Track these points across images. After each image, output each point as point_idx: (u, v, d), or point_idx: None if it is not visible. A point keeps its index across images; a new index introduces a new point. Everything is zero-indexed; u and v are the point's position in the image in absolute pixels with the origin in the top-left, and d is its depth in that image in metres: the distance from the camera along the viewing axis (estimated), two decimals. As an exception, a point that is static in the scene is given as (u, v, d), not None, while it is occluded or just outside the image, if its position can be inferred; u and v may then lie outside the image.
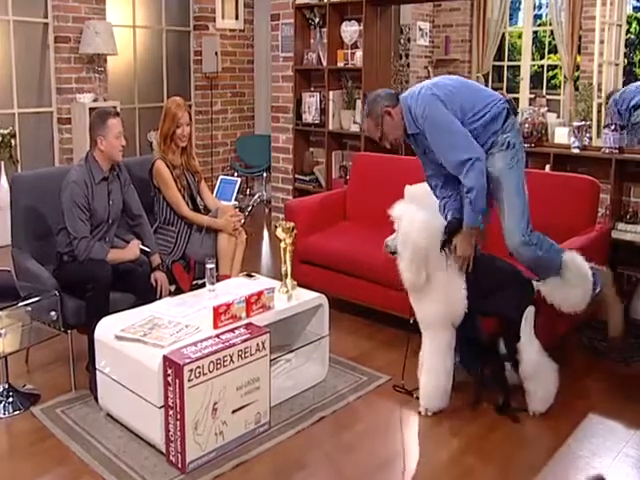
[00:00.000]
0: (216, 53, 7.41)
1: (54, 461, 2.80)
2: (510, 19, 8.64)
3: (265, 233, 6.68)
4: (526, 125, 4.57)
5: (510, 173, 3.04)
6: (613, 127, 4.16)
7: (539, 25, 8.42)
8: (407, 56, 8.15)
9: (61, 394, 3.30)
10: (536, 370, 3.01)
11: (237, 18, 7.91)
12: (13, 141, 6.05)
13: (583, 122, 4.46)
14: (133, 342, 2.85)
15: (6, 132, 5.97)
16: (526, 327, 3.00)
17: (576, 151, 4.39)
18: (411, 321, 3.16)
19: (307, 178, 6.17)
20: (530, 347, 3.00)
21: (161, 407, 2.68)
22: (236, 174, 7.50)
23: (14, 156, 6.10)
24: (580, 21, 7.08)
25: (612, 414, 3.16)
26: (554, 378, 3.06)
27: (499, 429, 3.02)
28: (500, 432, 3.00)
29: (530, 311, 3.01)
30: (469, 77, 8.10)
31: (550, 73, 8.38)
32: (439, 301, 3.02)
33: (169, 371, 2.63)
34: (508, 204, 3.07)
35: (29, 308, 3.26)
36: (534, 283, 3.08)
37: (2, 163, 6.00)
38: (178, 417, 2.62)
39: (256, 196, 6.81)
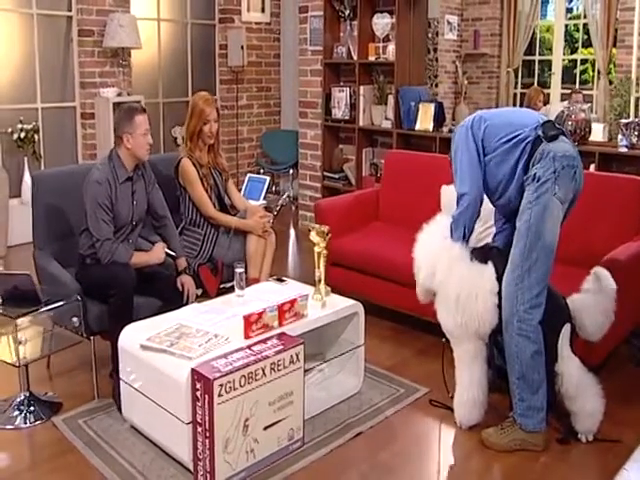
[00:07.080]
0: (242, 47, 7.23)
1: (75, 476, 2.65)
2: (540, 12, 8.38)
3: (292, 232, 6.49)
4: (569, 123, 4.34)
5: (526, 212, 2.68)
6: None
7: (571, 18, 8.15)
8: (435, 50, 7.96)
9: (83, 403, 3.16)
10: (579, 389, 2.78)
11: (263, 11, 7.72)
12: (36, 136, 5.96)
13: (632, 119, 4.21)
14: (159, 352, 2.68)
15: (29, 127, 5.88)
16: (563, 346, 2.78)
17: (624, 150, 4.14)
18: (444, 340, 3.04)
19: (336, 176, 5.99)
20: (570, 365, 2.77)
21: (189, 423, 2.52)
22: (262, 171, 7.34)
23: (37, 152, 6.01)
24: (616, 13, 6.83)
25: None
26: (599, 393, 2.82)
27: (547, 452, 2.78)
28: (549, 456, 2.77)
29: (567, 329, 2.78)
30: (498, 72, 7.91)
31: (581, 67, 8.11)
32: (457, 312, 2.84)
33: (198, 385, 2.46)
34: (513, 250, 2.73)
35: (51, 313, 3.13)
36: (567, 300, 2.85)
37: (25, 159, 5.91)
38: (207, 434, 2.45)
39: (285, 195, 6.63)
